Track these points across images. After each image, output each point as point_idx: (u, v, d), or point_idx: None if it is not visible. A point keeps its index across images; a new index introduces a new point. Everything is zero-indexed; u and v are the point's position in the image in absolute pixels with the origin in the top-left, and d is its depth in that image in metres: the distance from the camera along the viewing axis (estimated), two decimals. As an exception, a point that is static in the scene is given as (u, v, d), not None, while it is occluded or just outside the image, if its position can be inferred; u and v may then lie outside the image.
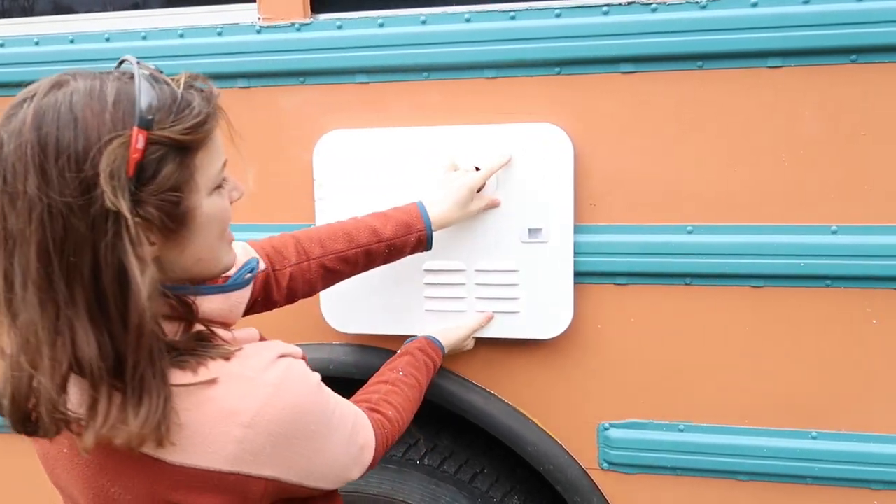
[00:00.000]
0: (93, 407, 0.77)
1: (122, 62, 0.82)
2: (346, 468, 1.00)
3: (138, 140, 0.73)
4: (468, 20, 1.40)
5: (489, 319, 1.49)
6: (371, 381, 1.27)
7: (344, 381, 1.58)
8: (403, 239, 1.33)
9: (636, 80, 1.37)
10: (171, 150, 0.77)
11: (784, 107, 1.32)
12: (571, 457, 1.54)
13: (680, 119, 1.37)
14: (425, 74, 1.44)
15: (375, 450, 1.06)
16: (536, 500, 1.68)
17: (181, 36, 1.52)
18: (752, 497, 1.49)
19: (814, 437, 1.44)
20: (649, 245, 1.42)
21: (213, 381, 0.82)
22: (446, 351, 1.43)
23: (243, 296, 0.96)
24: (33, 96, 0.75)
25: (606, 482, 1.54)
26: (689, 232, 1.40)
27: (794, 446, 1.44)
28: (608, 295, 1.46)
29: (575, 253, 1.44)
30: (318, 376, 0.94)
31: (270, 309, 1.29)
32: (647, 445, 1.50)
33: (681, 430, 1.48)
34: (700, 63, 1.33)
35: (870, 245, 1.33)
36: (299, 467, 0.89)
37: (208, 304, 0.88)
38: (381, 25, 1.43)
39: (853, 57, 1.28)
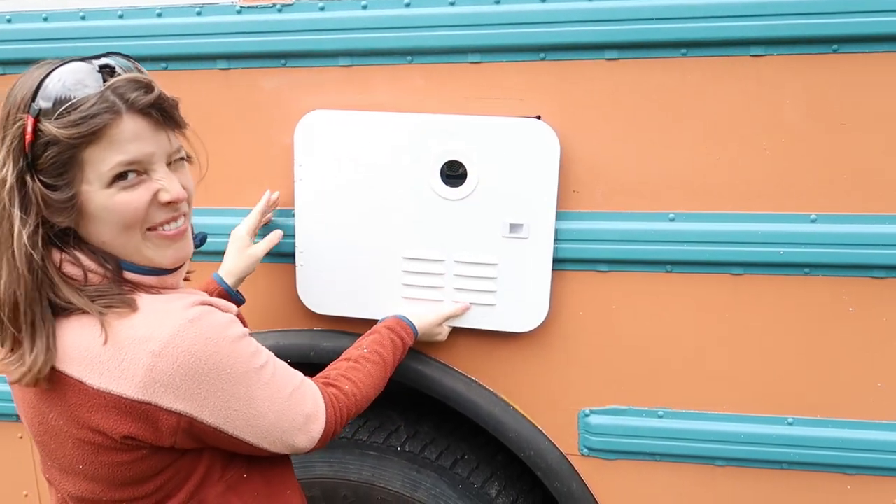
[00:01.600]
0: None
1: (101, 55, 0.94)
2: (287, 433, 1.03)
3: (28, 125, 0.88)
4: (452, 4, 1.38)
5: (465, 309, 1.49)
6: (335, 360, 1.30)
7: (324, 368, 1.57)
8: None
9: (620, 66, 1.37)
10: (54, 141, 0.88)
11: (766, 95, 1.33)
12: (552, 443, 1.55)
13: (663, 106, 1.37)
14: (409, 58, 1.43)
15: (326, 422, 1.09)
16: (517, 486, 1.68)
17: (159, 15, 1.49)
18: (729, 482, 1.51)
19: (790, 423, 1.46)
20: (631, 232, 1.42)
21: (133, 309, 0.92)
22: (419, 332, 1.44)
23: (177, 277, 1.03)
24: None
25: (586, 468, 1.55)
26: (671, 220, 1.41)
27: (770, 432, 1.46)
28: (590, 282, 1.46)
29: (557, 240, 1.44)
30: (244, 331, 0.99)
31: None
32: (627, 431, 1.51)
33: (660, 417, 1.50)
34: (684, 51, 1.33)
35: (848, 234, 1.35)
36: (214, 408, 0.93)
37: (143, 280, 0.98)
38: (365, 8, 1.41)
39: (835, 46, 1.28)
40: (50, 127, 0.87)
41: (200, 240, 1.16)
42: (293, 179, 1.50)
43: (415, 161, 1.43)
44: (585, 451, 1.54)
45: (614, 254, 1.43)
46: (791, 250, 1.37)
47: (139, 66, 0.97)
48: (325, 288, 1.54)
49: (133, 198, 0.93)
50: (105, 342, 0.90)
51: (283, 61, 1.47)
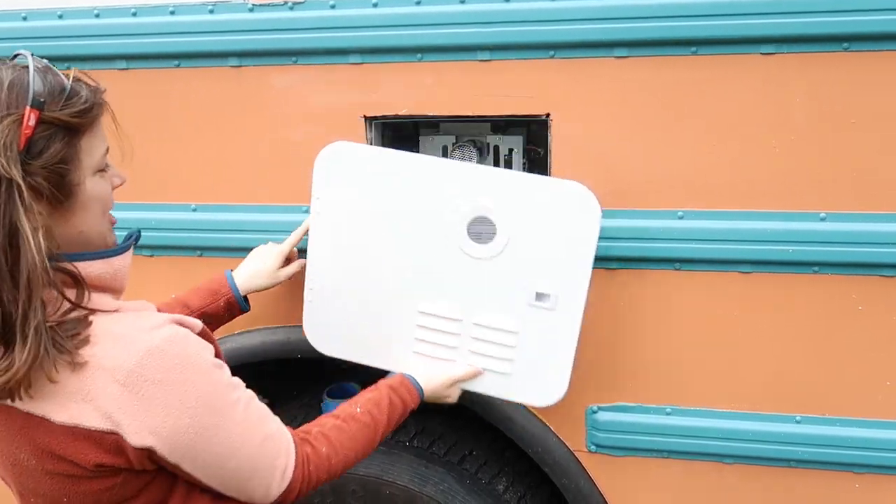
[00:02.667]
0: None
1: (15, 56, 0.93)
2: (247, 482, 0.99)
3: (30, 118, 0.86)
4: (463, 1, 1.39)
5: (477, 374, 1.40)
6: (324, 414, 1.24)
7: (333, 363, 1.58)
8: (214, 306, 1.45)
9: (630, 64, 1.37)
10: (60, 131, 0.89)
11: (776, 94, 1.33)
12: (560, 439, 1.55)
13: (672, 104, 1.37)
14: (419, 55, 1.44)
15: (291, 482, 1.03)
16: (524, 482, 1.69)
17: (172, 13, 1.50)
18: (737, 479, 1.51)
19: (798, 421, 1.46)
20: (640, 230, 1.42)
21: (89, 342, 0.89)
22: (425, 395, 1.34)
23: (124, 261, 1.01)
24: None
25: (594, 464, 1.55)
26: (680, 217, 1.41)
27: (778, 430, 1.46)
28: (599, 279, 1.47)
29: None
30: (217, 361, 0.97)
31: None
32: (635, 428, 1.51)
33: (668, 414, 1.50)
34: (694, 49, 1.33)
35: (858, 232, 1.34)
36: (175, 444, 0.90)
37: (90, 269, 0.95)
38: (375, 6, 1.42)
39: (846, 44, 1.28)
40: (60, 116, 0.88)
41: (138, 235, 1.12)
42: (299, 177, 1.51)
43: (441, 211, 1.33)
44: (593, 447, 1.54)
45: (623, 251, 1.44)
46: (800, 248, 1.37)
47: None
48: (332, 328, 1.45)
49: (107, 183, 0.99)
50: (69, 372, 0.88)
51: (294, 59, 1.48)
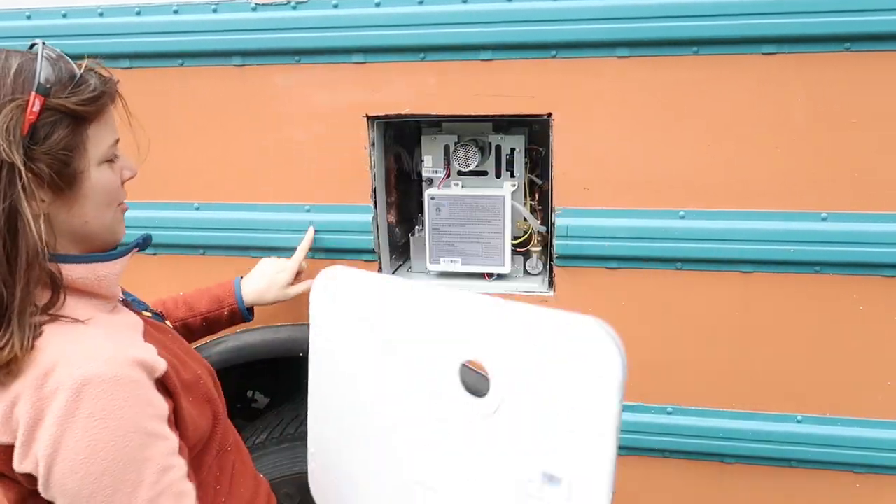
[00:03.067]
0: None
1: (32, 45, 0.92)
2: None
3: (34, 104, 0.86)
4: (465, 1, 1.39)
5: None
6: None
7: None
8: (217, 313, 1.45)
9: (631, 64, 1.37)
10: (65, 118, 0.89)
11: (777, 94, 1.33)
12: (560, 438, 1.55)
13: (673, 104, 1.37)
14: (421, 55, 1.44)
15: None
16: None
17: (176, 12, 1.51)
18: (738, 479, 1.52)
19: (799, 421, 1.46)
20: (641, 230, 1.43)
21: (33, 348, 0.85)
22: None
23: (110, 269, 0.97)
24: None
25: (594, 463, 1.56)
26: (681, 217, 1.41)
27: (779, 430, 1.47)
28: (599, 279, 1.47)
29: (567, 237, 1.44)
30: (159, 430, 0.88)
31: None
32: (636, 428, 1.52)
33: (669, 413, 1.50)
34: (695, 49, 1.34)
35: (859, 232, 1.35)
36: (59, 484, 0.83)
37: (71, 272, 0.93)
38: (378, 5, 1.43)
39: (847, 45, 1.28)
40: (65, 103, 0.88)
41: (144, 240, 1.11)
42: (300, 177, 1.51)
43: (434, 355, 1.06)
44: (594, 446, 1.54)
45: (624, 251, 1.44)
46: (801, 248, 1.37)
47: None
48: (338, 495, 1.23)
49: (115, 174, 0.98)
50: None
51: (297, 58, 1.49)
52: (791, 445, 1.46)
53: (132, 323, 1.01)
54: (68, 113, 0.88)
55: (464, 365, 1.03)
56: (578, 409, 0.90)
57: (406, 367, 1.10)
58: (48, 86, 0.87)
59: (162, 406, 0.90)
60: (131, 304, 1.10)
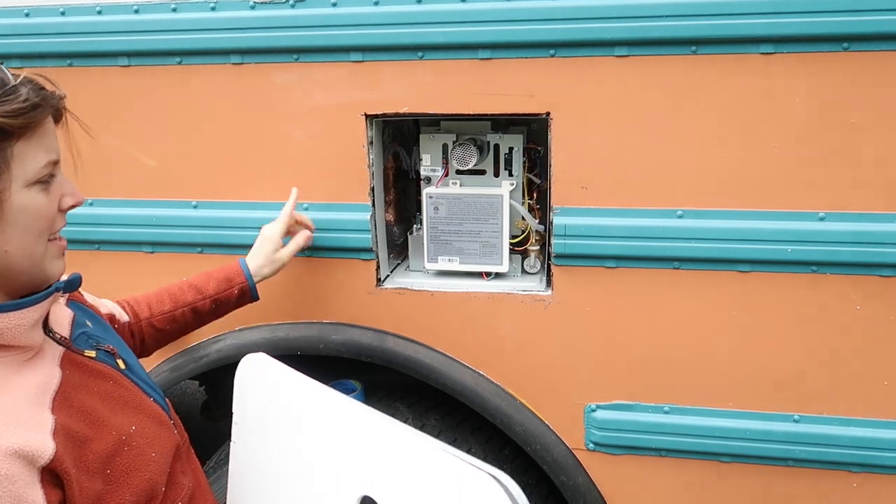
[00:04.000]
0: None
1: None
2: None
3: None
4: (464, 0, 1.39)
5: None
6: None
7: (333, 361, 1.59)
8: (227, 293, 1.43)
9: (630, 63, 1.37)
10: None
11: (775, 93, 1.33)
12: (558, 437, 1.56)
13: (672, 104, 1.37)
14: (420, 54, 1.44)
15: None
16: (523, 480, 1.70)
17: (174, 10, 1.51)
18: (735, 478, 1.52)
19: (796, 421, 1.46)
20: (639, 229, 1.43)
21: None
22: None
23: (18, 320, 0.85)
24: None
25: (592, 462, 1.56)
26: (679, 216, 1.41)
27: (776, 429, 1.47)
28: (597, 278, 1.47)
29: (565, 235, 1.44)
30: None
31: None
32: (633, 427, 1.52)
33: (666, 412, 1.50)
34: (694, 48, 1.34)
35: (857, 232, 1.35)
36: None
37: None
38: (377, 4, 1.43)
39: (845, 45, 1.28)
40: None
41: (69, 283, 0.98)
42: (302, 176, 1.51)
43: (338, 476, 1.05)
44: (591, 445, 1.55)
45: (622, 250, 1.44)
46: (799, 248, 1.37)
47: None
48: None
49: (49, 200, 0.86)
50: None
51: (295, 56, 1.49)
52: (788, 445, 1.47)
53: (40, 383, 0.87)
54: None
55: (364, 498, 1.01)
56: None
57: (311, 482, 1.08)
58: None
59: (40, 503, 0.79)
60: (72, 342, 0.97)
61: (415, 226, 1.73)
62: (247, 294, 1.46)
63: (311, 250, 1.57)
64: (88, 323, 1.05)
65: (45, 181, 0.86)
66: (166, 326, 1.39)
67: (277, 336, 1.63)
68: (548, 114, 1.42)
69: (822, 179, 1.35)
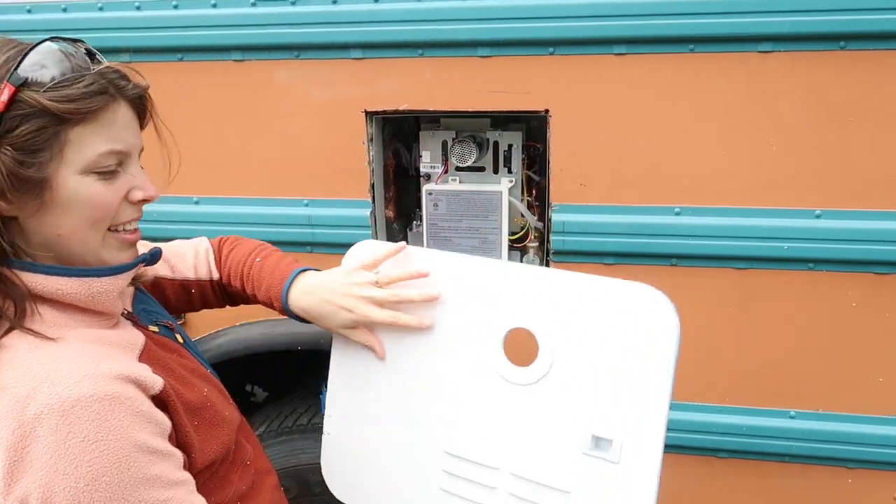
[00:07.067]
0: None
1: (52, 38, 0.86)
2: None
3: (3, 93, 0.79)
4: (463, -2, 1.40)
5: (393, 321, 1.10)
6: None
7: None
8: (266, 297, 1.19)
9: (628, 61, 1.38)
10: (38, 114, 0.80)
11: (773, 92, 1.34)
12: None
13: (670, 101, 1.38)
14: (419, 51, 1.45)
15: None
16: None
17: (175, 7, 1.52)
18: (731, 474, 1.53)
19: (792, 417, 1.47)
20: (637, 226, 1.44)
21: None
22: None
23: (108, 285, 0.88)
24: None
25: (589, 457, 1.57)
26: (677, 214, 1.42)
27: (772, 425, 1.48)
28: (596, 274, 1.48)
29: (564, 232, 1.45)
30: (156, 445, 0.81)
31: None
32: (630, 422, 1.53)
33: (663, 408, 1.52)
34: (691, 46, 1.35)
35: (852, 230, 1.36)
36: None
37: (57, 284, 0.85)
38: (377, 1, 1.43)
39: (842, 43, 1.29)
40: (39, 98, 0.79)
41: (152, 255, 1.02)
42: (302, 172, 1.52)
43: (475, 322, 1.06)
44: (589, 440, 1.56)
45: (620, 247, 1.45)
46: (796, 245, 1.38)
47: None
48: (353, 473, 1.18)
49: (109, 191, 0.86)
50: None
51: (296, 53, 1.50)
52: (785, 441, 1.48)
53: (128, 341, 0.91)
54: (41, 109, 0.79)
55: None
56: (631, 367, 0.95)
57: (447, 340, 1.08)
58: (24, 77, 0.79)
59: (164, 422, 0.84)
60: (138, 317, 1.00)
61: (414, 222, 1.74)
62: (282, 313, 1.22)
63: (311, 245, 1.58)
64: (146, 301, 1.08)
65: (105, 171, 0.85)
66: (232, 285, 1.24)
67: (278, 331, 1.64)
68: (547, 111, 1.43)
69: (819, 177, 1.36)
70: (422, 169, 1.64)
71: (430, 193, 1.60)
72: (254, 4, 1.48)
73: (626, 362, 0.95)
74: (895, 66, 1.29)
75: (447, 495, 1.09)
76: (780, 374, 1.46)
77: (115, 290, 0.89)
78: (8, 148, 0.79)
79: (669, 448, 1.51)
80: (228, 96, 1.56)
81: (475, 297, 1.06)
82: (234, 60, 1.53)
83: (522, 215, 1.61)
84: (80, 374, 0.78)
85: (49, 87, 0.80)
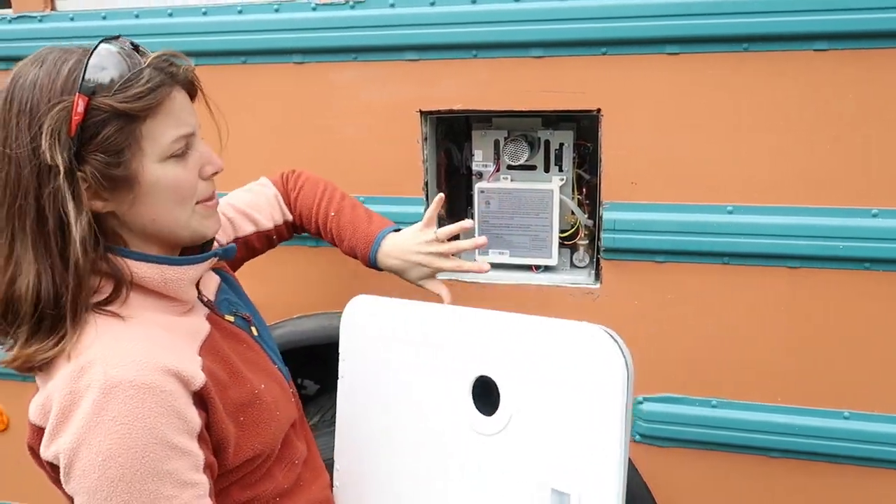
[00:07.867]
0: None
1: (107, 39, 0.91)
2: None
3: (78, 105, 0.84)
4: (517, 0, 1.43)
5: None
6: None
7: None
8: (351, 252, 1.37)
9: (681, 60, 1.39)
10: (113, 116, 0.86)
11: (828, 90, 1.33)
12: (605, 428, 1.58)
13: (723, 100, 1.38)
14: (474, 52, 1.48)
15: None
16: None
17: (240, 12, 1.58)
18: (783, 474, 1.52)
19: (846, 418, 1.46)
20: (688, 224, 1.44)
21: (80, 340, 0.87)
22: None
23: (180, 273, 0.96)
24: (21, 63, 0.89)
25: (638, 454, 1.58)
26: (729, 212, 1.42)
27: (826, 425, 1.47)
28: (646, 272, 1.49)
29: (615, 230, 1.47)
30: (182, 445, 0.86)
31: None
32: (680, 420, 1.53)
33: (713, 406, 1.52)
34: (745, 45, 1.35)
35: (910, 229, 1.34)
36: (76, 480, 0.83)
37: (139, 270, 0.93)
38: (433, 4, 1.47)
39: (899, 41, 1.28)
40: (111, 102, 0.85)
41: (226, 251, 1.10)
42: (360, 171, 1.56)
43: (449, 372, 1.12)
44: (638, 437, 1.57)
45: (671, 245, 1.46)
46: (851, 244, 1.37)
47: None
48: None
49: (186, 170, 0.94)
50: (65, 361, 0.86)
51: (353, 56, 1.55)
52: (838, 442, 1.46)
53: (194, 330, 0.98)
54: (114, 112, 0.85)
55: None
56: (586, 418, 0.92)
57: (423, 387, 1.14)
58: (91, 85, 0.85)
59: (194, 420, 0.88)
60: (217, 306, 1.08)
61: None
62: (366, 263, 1.37)
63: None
64: (231, 291, 1.15)
65: (179, 154, 0.93)
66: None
67: (333, 324, 1.69)
68: (598, 110, 1.45)
69: (875, 176, 1.35)
70: (474, 167, 1.67)
71: (482, 191, 1.63)
72: (315, 9, 1.54)
73: (579, 408, 0.93)
74: (956, 63, 1.27)
75: None
76: (835, 375, 1.45)
77: (186, 279, 0.97)
78: (96, 153, 0.86)
79: (719, 446, 1.52)
80: (288, 97, 1.62)
81: (444, 345, 1.12)
82: (295, 63, 1.59)
83: (573, 213, 1.63)
84: (129, 358, 0.84)
85: (116, 90, 0.86)
